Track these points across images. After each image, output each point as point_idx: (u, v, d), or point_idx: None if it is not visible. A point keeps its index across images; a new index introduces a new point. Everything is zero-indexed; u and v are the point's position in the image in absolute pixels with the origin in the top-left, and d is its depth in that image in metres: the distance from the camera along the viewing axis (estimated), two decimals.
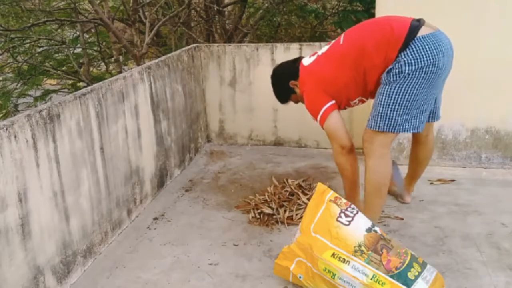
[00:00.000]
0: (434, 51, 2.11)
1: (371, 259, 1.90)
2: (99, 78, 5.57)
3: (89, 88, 2.39)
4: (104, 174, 2.43)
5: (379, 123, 2.23)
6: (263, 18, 6.21)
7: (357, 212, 2.05)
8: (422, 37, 2.12)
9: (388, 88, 2.18)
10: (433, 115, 2.47)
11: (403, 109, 2.18)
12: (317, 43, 3.72)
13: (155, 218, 2.77)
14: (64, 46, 5.66)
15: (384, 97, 2.20)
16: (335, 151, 2.40)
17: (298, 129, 3.81)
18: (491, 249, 2.32)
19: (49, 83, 6.38)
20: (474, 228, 2.51)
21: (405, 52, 2.13)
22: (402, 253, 1.94)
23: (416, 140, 2.59)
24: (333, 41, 2.45)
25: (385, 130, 2.23)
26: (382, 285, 1.85)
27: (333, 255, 1.92)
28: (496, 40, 3.04)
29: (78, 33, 5.91)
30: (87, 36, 6.24)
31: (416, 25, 2.15)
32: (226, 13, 6.35)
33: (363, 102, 2.47)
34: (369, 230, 1.99)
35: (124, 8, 5.38)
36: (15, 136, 1.82)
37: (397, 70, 2.15)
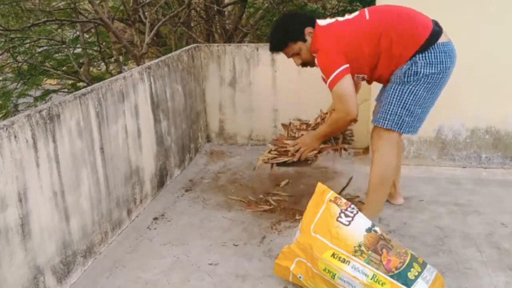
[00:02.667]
0: (449, 59, 2.20)
1: (371, 259, 1.90)
2: (99, 78, 5.57)
3: (89, 88, 2.39)
4: (104, 174, 2.43)
5: (388, 121, 2.27)
6: (263, 18, 6.21)
7: (357, 212, 2.05)
8: (442, 44, 2.18)
9: (401, 88, 2.22)
10: None
11: (412, 111, 2.24)
12: None
13: (155, 218, 2.77)
14: (64, 46, 5.66)
15: (396, 97, 2.23)
16: (339, 114, 2.30)
17: None
18: (491, 249, 2.32)
19: (49, 83, 6.38)
20: (474, 228, 2.51)
21: (423, 54, 2.16)
22: (402, 253, 1.94)
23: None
24: (353, 14, 2.36)
25: (392, 128, 2.27)
26: (382, 285, 1.85)
27: (333, 255, 1.92)
28: (497, 40, 3.04)
29: (78, 33, 5.92)
30: (87, 36, 6.24)
31: (437, 30, 2.21)
32: (226, 13, 6.34)
33: (362, 80, 2.46)
34: (369, 230, 1.99)
35: (124, 8, 5.38)
36: (15, 136, 1.82)
37: (413, 71, 2.18)
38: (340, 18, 2.35)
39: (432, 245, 2.37)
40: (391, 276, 1.86)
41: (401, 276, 1.87)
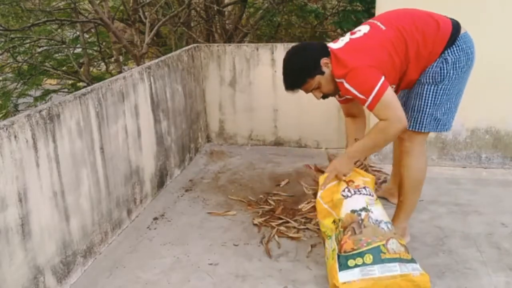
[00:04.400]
0: (472, 49, 2.20)
1: (338, 237, 2.08)
2: (99, 78, 5.57)
3: (89, 88, 2.39)
4: (104, 174, 2.43)
5: (425, 124, 2.23)
6: (263, 18, 6.21)
7: (359, 193, 2.16)
8: (464, 35, 2.17)
9: (434, 89, 2.18)
10: None
11: (447, 108, 2.23)
12: None
13: (155, 218, 2.77)
14: (64, 46, 5.66)
15: (431, 98, 2.19)
16: (389, 122, 2.09)
17: (298, 129, 3.81)
18: (491, 249, 2.32)
19: (49, 83, 6.37)
20: (474, 228, 2.51)
21: (452, 49, 2.15)
22: (363, 242, 1.99)
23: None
24: (362, 29, 2.21)
25: (430, 130, 2.25)
26: (331, 259, 2.05)
27: (334, 222, 2.16)
28: (497, 40, 3.03)
29: (78, 33, 5.91)
30: (87, 36, 6.24)
31: (456, 22, 2.20)
32: (226, 13, 6.35)
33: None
34: (354, 211, 2.09)
35: (124, 8, 5.38)
36: (15, 136, 1.82)
37: (445, 70, 2.15)
38: (353, 36, 2.20)
39: (432, 245, 2.37)
40: (338, 256, 2.02)
41: (341, 259, 2.00)
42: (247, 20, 6.55)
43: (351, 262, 1.96)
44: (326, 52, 2.17)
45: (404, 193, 2.36)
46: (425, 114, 2.23)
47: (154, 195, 3.02)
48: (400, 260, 1.94)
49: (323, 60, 2.15)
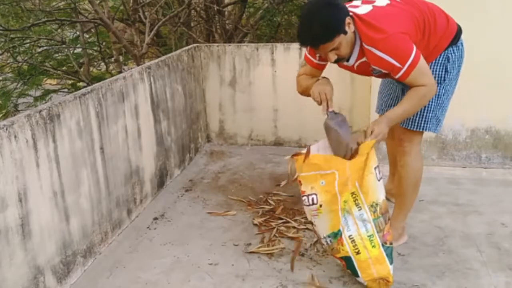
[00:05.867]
0: (464, 54, 2.23)
1: (378, 223, 1.98)
2: (99, 78, 5.57)
3: (89, 88, 2.39)
4: (104, 174, 2.43)
5: (429, 124, 2.23)
6: (263, 18, 6.20)
7: (382, 177, 2.08)
8: (462, 39, 2.20)
9: (437, 89, 2.17)
10: None
11: (445, 109, 2.26)
12: None
13: (155, 218, 2.77)
14: (64, 46, 5.66)
15: (434, 98, 2.18)
16: (427, 87, 2.05)
17: (298, 129, 3.81)
18: (491, 249, 2.32)
19: (49, 83, 6.37)
20: (474, 228, 2.51)
21: (455, 48, 2.16)
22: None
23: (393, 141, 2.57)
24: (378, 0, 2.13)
25: (431, 130, 2.25)
26: (373, 247, 1.97)
27: (352, 194, 1.98)
28: (497, 40, 3.03)
29: (78, 33, 5.91)
30: (87, 36, 6.24)
31: (459, 25, 2.20)
32: (226, 13, 6.34)
33: None
34: (387, 198, 2.05)
35: (124, 8, 5.38)
36: (15, 136, 1.82)
37: (446, 70, 2.16)
38: (375, 4, 2.09)
39: (432, 245, 2.37)
40: (383, 246, 1.97)
41: (388, 251, 1.99)
42: (247, 20, 6.55)
43: (393, 255, 1.98)
44: (348, 12, 2.02)
45: (404, 193, 2.36)
46: (429, 114, 2.23)
47: (154, 195, 3.02)
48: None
49: (347, 20, 1.99)
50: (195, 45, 3.89)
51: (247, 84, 3.83)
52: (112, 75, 5.23)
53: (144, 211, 2.85)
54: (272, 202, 2.88)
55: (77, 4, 5.35)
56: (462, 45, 2.20)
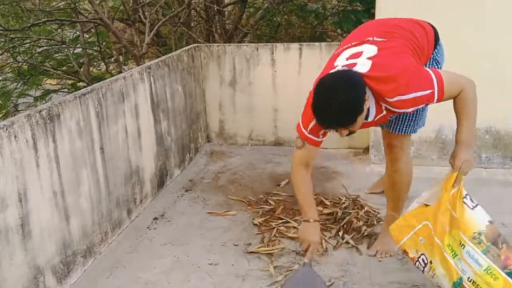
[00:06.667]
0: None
1: (489, 251, 1.82)
2: (99, 78, 5.56)
3: (89, 88, 2.39)
4: (104, 174, 2.43)
5: (417, 126, 2.25)
6: (263, 18, 6.20)
7: (478, 203, 1.96)
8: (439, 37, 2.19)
9: None
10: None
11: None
12: (317, 43, 3.73)
13: (155, 218, 2.77)
14: (64, 46, 5.65)
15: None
16: (470, 84, 1.97)
17: None
18: None
19: (49, 83, 6.37)
20: None
21: (437, 49, 2.16)
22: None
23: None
24: (364, 49, 2.00)
25: (417, 131, 2.27)
26: (494, 279, 1.77)
27: (451, 235, 1.87)
28: (496, 40, 3.03)
29: (78, 33, 5.91)
30: (87, 36, 6.23)
31: (431, 24, 2.18)
32: (226, 13, 6.34)
33: None
34: (491, 222, 1.90)
35: (124, 8, 5.38)
36: (15, 136, 1.82)
37: None
38: (369, 55, 1.96)
39: None
40: (508, 273, 1.77)
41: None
42: (247, 20, 6.55)
43: None
44: (365, 86, 1.85)
45: (398, 196, 2.38)
46: (419, 117, 2.23)
47: (154, 195, 3.02)
48: None
49: (366, 97, 1.84)
50: (195, 45, 3.89)
51: (247, 84, 3.83)
52: (112, 75, 5.23)
53: (144, 211, 2.85)
54: (272, 202, 2.88)
55: (77, 4, 5.35)
56: (441, 42, 2.18)
